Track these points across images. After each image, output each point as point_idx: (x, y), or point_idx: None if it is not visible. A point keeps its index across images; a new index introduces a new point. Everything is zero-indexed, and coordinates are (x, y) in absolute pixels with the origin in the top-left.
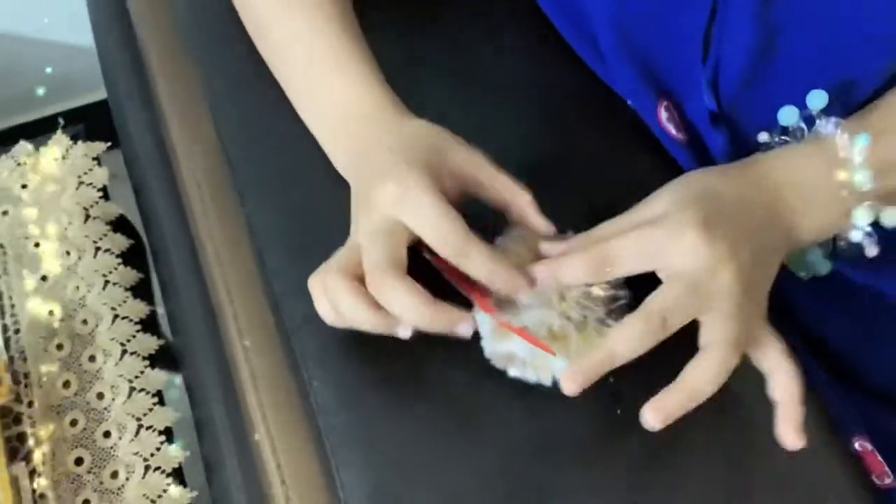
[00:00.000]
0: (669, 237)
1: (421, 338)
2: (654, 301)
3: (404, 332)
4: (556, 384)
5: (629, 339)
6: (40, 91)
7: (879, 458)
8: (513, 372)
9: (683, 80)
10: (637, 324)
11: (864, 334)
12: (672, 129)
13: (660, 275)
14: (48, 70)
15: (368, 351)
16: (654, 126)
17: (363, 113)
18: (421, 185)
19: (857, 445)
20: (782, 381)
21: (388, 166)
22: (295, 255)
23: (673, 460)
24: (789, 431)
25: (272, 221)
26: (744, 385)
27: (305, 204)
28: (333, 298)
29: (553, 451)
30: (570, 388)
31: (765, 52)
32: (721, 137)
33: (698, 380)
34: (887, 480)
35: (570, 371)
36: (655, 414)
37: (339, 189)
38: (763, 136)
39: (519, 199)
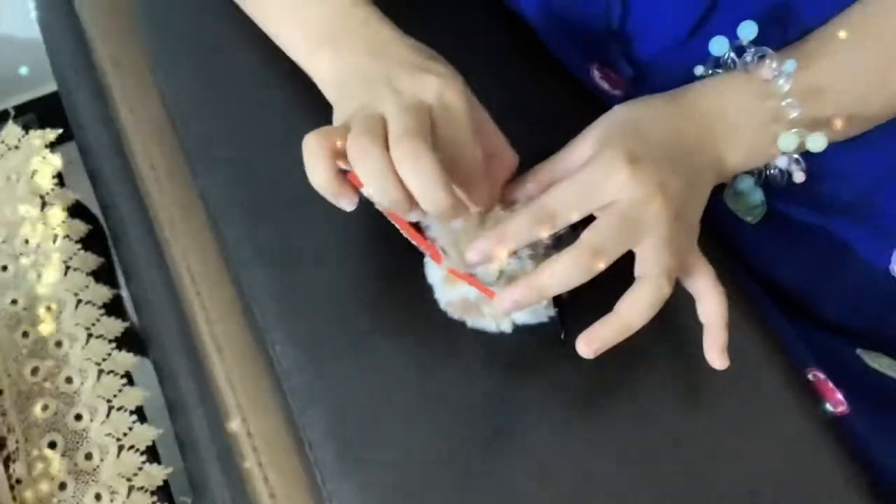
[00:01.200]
0: (600, 178)
1: (380, 295)
2: (587, 234)
3: (351, 204)
4: (517, 329)
5: (559, 272)
6: None
7: (832, 385)
8: (471, 323)
9: (603, 47)
10: (568, 258)
11: (815, 272)
12: (607, 87)
13: (596, 214)
14: None
15: (329, 310)
16: (590, 84)
17: (354, 26)
18: (460, 88)
19: (810, 376)
20: (710, 304)
21: (412, 59)
22: (249, 223)
23: (625, 394)
24: (714, 352)
25: (224, 191)
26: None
27: (255, 171)
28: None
29: (513, 392)
30: (501, 306)
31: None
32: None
33: (630, 313)
34: (841, 408)
35: (498, 297)
36: (588, 345)
37: (289, 152)
38: (698, 70)
39: (505, 159)
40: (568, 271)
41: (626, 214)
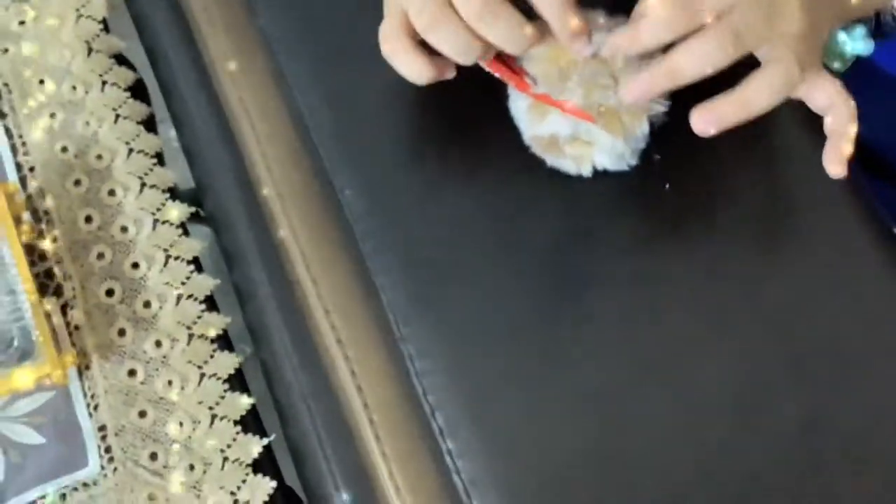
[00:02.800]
0: None
1: (451, 139)
2: (727, 16)
3: (452, 73)
4: (596, 174)
5: (698, 53)
6: None
7: None
8: (550, 161)
9: None
10: (707, 36)
11: None
12: None
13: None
14: None
15: (398, 155)
16: None
17: None
18: None
19: None
20: (838, 113)
21: None
22: (318, 64)
23: (705, 247)
24: (835, 160)
25: (290, 32)
26: (782, 163)
27: (323, 10)
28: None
29: (593, 242)
30: (630, 95)
31: None
32: None
33: (757, 89)
34: None
35: (632, 81)
36: (704, 116)
37: None
38: None
39: None
40: (706, 52)
41: (764, 2)
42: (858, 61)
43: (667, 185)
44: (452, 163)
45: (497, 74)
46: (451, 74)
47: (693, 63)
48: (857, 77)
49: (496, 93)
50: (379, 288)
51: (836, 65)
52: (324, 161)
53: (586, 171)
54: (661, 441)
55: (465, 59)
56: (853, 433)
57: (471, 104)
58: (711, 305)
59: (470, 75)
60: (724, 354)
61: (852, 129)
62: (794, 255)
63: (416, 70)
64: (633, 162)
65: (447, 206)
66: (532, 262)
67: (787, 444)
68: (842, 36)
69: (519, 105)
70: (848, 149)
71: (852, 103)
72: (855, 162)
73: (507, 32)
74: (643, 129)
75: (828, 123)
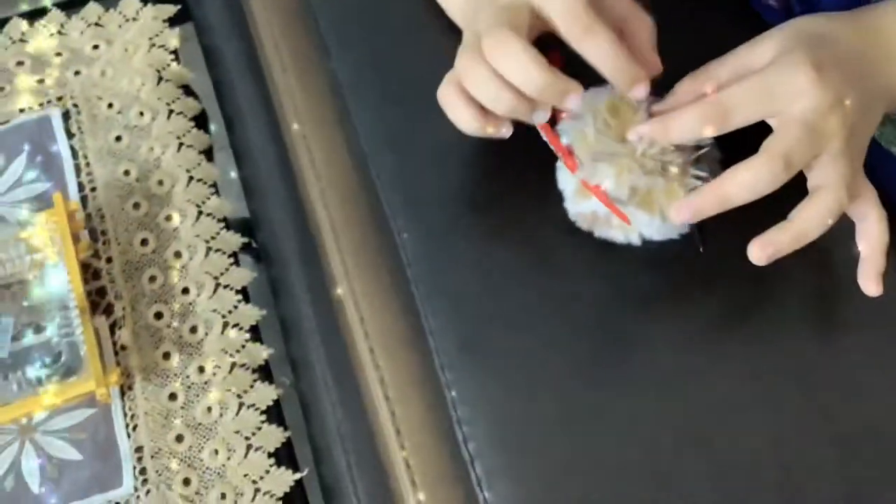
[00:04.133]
0: (782, 80)
1: (507, 194)
2: (774, 142)
3: (506, 131)
4: (645, 243)
5: (748, 181)
6: None
7: None
8: (599, 233)
9: None
10: (757, 165)
11: None
12: (772, 1)
13: (771, 122)
14: None
15: (456, 204)
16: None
17: None
18: None
19: None
20: (872, 227)
21: None
22: (383, 109)
23: (755, 317)
24: (871, 278)
25: (357, 75)
26: (834, 244)
27: (391, 55)
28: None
29: (638, 306)
30: (678, 217)
31: None
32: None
33: (808, 221)
34: None
35: (680, 203)
36: (763, 248)
37: (427, 37)
38: None
39: (639, 23)
40: (756, 180)
41: (809, 123)
42: None
43: (701, 249)
44: (509, 215)
45: (547, 140)
46: (506, 131)
47: (744, 192)
48: None
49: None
50: (427, 332)
51: (895, 148)
52: (383, 203)
53: (635, 240)
54: None
55: (498, 108)
56: None
57: (533, 160)
58: (759, 377)
59: (535, 133)
60: (769, 428)
61: (886, 242)
62: (843, 333)
63: (463, 119)
64: (685, 230)
65: (501, 257)
66: (579, 320)
67: None
68: None
69: (566, 182)
70: (883, 263)
71: (885, 215)
72: None
73: (516, 66)
74: None
75: (860, 234)
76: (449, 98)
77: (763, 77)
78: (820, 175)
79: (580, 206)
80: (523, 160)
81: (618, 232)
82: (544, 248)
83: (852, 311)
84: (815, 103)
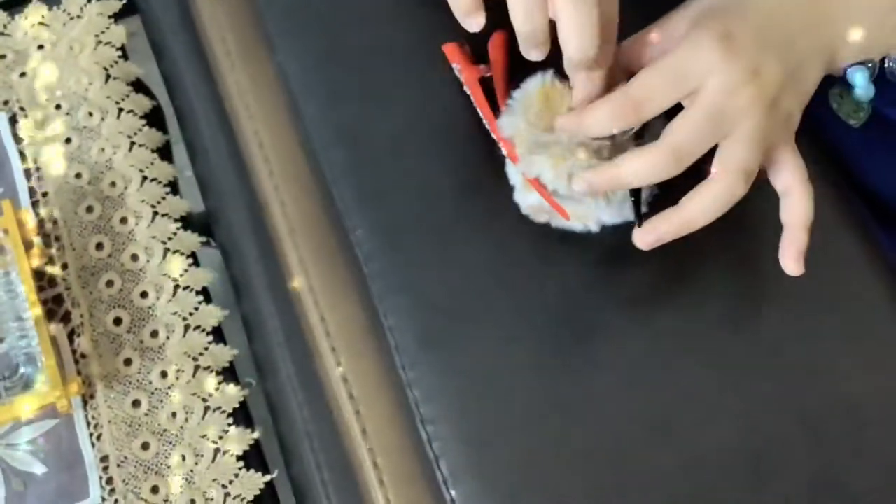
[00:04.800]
0: (689, 58)
1: (463, 186)
2: (670, 131)
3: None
4: (604, 230)
5: (640, 170)
6: None
7: None
8: (555, 223)
9: None
10: (649, 157)
11: None
12: None
13: (685, 103)
14: None
15: (411, 198)
16: None
17: None
18: None
19: None
20: (795, 202)
21: None
22: (332, 103)
23: (720, 304)
24: (790, 256)
25: (305, 68)
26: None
27: (338, 47)
28: None
29: (603, 292)
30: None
31: None
32: None
33: (694, 209)
34: None
35: (645, 229)
36: (643, 237)
37: (376, 29)
38: None
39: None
40: (648, 170)
41: (711, 108)
42: (876, 110)
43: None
44: (465, 207)
45: (493, 134)
46: (478, 23)
47: (636, 179)
48: (873, 127)
49: None
50: (387, 329)
51: (852, 121)
52: (335, 199)
53: (593, 228)
54: (669, 497)
55: (524, 21)
56: (865, 494)
57: (488, 149)
58: (723, 360)
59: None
60: (735, 410)
61: (809, 219)
62: (809, 312)
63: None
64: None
65: (458, 250)
66: (541, 310)
67: (798, 503)
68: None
69: (514, 175)
70: (805, 241)
71: (811, 190)
72: (873, 217)
73: (580, 31)
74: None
75: (783, 209)
76: None
77: (671, 59)
78: (718, 159)
79: (529, 199)
80: (478, 153)
81: (575, 222)
82: (502, 241)
83: (819, 288)
84: (724, 79)
